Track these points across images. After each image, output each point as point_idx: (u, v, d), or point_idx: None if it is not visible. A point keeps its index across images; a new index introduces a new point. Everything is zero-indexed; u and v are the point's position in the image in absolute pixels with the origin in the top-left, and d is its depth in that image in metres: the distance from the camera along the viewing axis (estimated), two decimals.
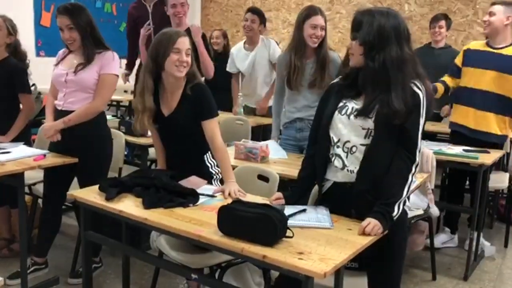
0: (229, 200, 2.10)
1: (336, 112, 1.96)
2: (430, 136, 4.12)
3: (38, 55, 6.03)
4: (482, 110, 3.57)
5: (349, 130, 1.92)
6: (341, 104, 1.97)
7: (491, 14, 3.56)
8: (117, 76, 2.86)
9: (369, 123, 1.88)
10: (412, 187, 1.92)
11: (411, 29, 6.56)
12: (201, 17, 7.66)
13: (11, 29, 3.25)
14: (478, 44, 3.73)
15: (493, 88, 3.53)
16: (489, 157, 3.29)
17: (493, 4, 3.59)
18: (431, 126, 4.33)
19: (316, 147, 2.07)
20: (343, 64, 3.09)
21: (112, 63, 2.80)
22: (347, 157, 1.94)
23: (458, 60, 3.77)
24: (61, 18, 2.72)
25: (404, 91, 1.83)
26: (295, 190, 2.13)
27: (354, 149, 1.92)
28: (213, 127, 2.42)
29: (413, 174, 1.88)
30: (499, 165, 4.04)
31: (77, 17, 2.72)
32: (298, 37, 3.03)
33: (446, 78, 3.80)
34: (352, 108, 1.93)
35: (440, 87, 3.74)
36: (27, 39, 5.87)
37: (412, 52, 1.91)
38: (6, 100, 3.18)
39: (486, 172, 3.35)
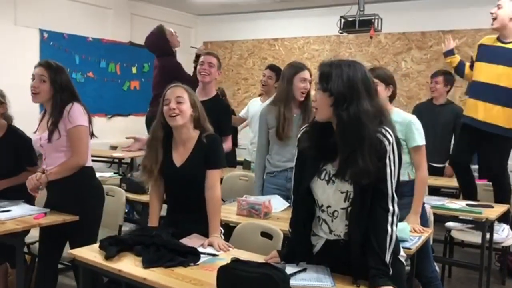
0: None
1: (316, 177, 1.92)
2: (435, 191, 4.09)
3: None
4: (490, 103, 3.74)
5: (329, 195, 1.89)
6: (319, 166, 1.92)
7: (499, 7, 3.73)
8: (84, 126, 2.78)
9: (347, 186, 1.84)
10: (394, 237, 1.83)
11: (408, 86, 6.67)
12: None
13: (2, 98, 3.24)
14: (489, 40, 3.92)
15: (501, 81, 3.71)
16: (493, 211, 3.25)
17: None
18: (435, 181, 4.29)
19: (300, 208, 2.01)
20: None
21: (76, 115, 2.75)
22: (332, 221, 1.91)
23: (474, 54, 4.02)
24: (39, 69, 2.79)
25: (371, 146, 1.77)
26: (290, 248, 2.07)
27: (335, 213, 1.89)
28: (216, 178, 2.51)
29: (392, 224, 1.82)
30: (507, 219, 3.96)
31: (54, 73, 2.78)
32: (287, 91, 3.21)
33: (467, 67, 4.13)
34: (330, 172, 1.89)
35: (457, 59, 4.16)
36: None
37: (379, 105, 1.87)
38: (13, 170, 3.19)
39: (491, 227, 3.30)
